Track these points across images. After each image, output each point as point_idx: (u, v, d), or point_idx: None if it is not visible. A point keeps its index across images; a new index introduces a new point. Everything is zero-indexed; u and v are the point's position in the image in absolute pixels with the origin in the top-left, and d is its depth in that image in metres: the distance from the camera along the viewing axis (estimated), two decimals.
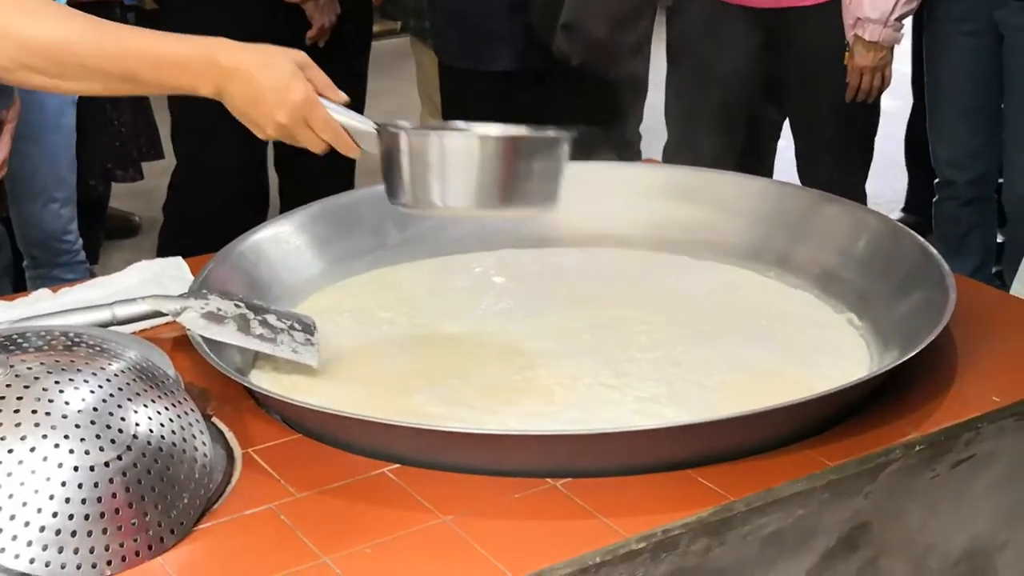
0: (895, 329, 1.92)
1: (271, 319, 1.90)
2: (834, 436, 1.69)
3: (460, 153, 1.85)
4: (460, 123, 1.92)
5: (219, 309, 1.86)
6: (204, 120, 3.46)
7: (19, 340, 1.58)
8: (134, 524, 1.45)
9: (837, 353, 1.95)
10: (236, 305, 1.88)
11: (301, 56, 1.88)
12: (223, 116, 3.44)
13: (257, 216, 3.53)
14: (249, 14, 3.41)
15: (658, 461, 1.61)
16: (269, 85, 1.82)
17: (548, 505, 1.56)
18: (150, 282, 2.12)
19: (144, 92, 1.89)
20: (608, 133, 3.42)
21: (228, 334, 1.83)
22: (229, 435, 1.71)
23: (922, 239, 2.03)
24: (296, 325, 1.92)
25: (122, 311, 1.88)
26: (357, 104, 3.77)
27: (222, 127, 3.42)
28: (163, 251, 2.13)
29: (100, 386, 1.50)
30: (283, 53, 1.87)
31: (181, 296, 1.90)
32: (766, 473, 1.60)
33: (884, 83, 3.59)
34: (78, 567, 1.42)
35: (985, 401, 1.77)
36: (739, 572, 1.60)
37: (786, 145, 4.01)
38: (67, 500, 1.41)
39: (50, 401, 1.45)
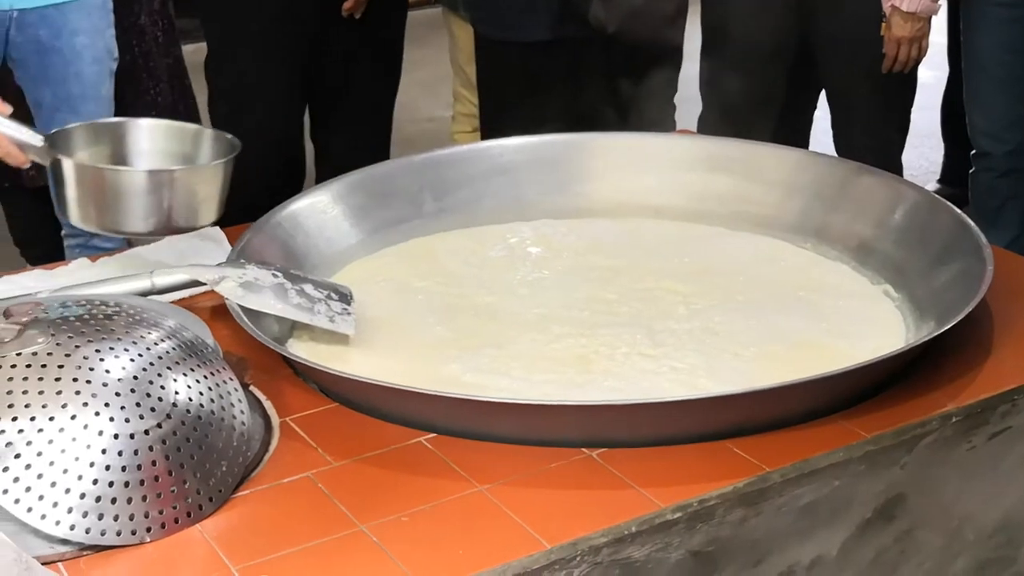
0: (932, 300, 1.91)
1: (308, 288, 1.90)
2: (870, 407, 1.69)
3: (113, 186, 1.95)
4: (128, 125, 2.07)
5: (256, 279, 1.86)
6: (240, 90, 3.47)
7: (60, 308, 1.59)
8: (173, 491, 1.46)
9: (873, 324, 1.94)
10: (273, 275, 1.89)
11: None
12: (259, 86, 3.47)
13: (293, 186, 3.54)
14: None
15: (694, 432, 1.61)
16: None
17: (584, 475, 1.56)
18: (188, 251, 2.13)
19: None
20: (643, 103, 3.42)
21: (265, 303, 1.83)
22: (267, 404, 1.72)
23: (959, 211, 2.02)
24: (333, 295, 1.92)
25: (161, 280, 1.89)
26: (393, 74, 3.78)
27: (257, 97, 3.46)
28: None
29: (140, 355, 1.50)
30: None
31: (219, 265, 1.90)
32: (802, 444, 1.60)
33: (921, 54, 3.57)
34: (118, 533, 1.43)
35: (1022, 373, 1.76)
36: (774, 543, 1.60)
37: (822, 115, 3.99)
38: (107, 468, 1.42)
39: (91, 370, 1.46)
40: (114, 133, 2.13)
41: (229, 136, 2.09)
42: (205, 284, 1.87)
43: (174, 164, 2.08)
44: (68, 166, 1.94)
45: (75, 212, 1.96)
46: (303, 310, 1.86)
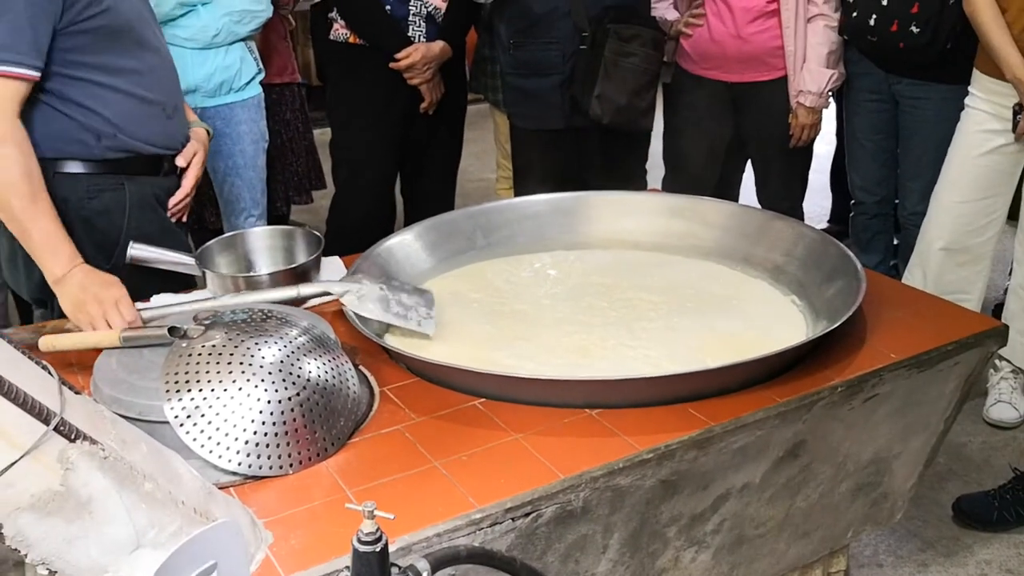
0: (824, 306, 1.89)
1: (404, 298, 1.89)
2: (782, 381, 1.68)
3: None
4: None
5: (368, 293, 1.86)
6: (355, 161, 3.48)
7: (231, 314, 1.60)
8: (307, 439, 1.46)
9: (784, 323, 1.92)
10: (380, 288, 1.88)
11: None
12: (368, 158, 3.46)
13: (388, 227, 3.54)
14: (382, 89, 3.41)
15: (662, 398, 1.60)
16: (100, 280, 1.84)
17: (586, 427, 1.56)
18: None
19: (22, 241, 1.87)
20: (625, 170, 3.41)
21: (374, 312, 1.83)
22: (371, 378, 1.72)
23: (842, 244, 2.00)
24: (421, 302, 1.91)
25: (304, 291, 1.88)
26: (457, 149, 3.79)
27: (367, 165, 3.46)
28: (327, 252, 2.12)
29: (285, 345, 1.51)
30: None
31: (342, 281, 1.90)
32: (736, 406, 1.59)
33: (816, 133, 3.55)
34: (270, 468, 1.43)
35: (885, 357, 1.75)
36: (717, 473, 1.59)
37: (747, 177, 3.97)
38: (263, 423, 1.43)
39: (251, 356, 1.47)
40: (241, 239, 2.17)
41: (316, 233, 2.15)
42: (333, 295, 1.87)
43: (279, 256, 2.15)
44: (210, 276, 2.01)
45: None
46: (399, 317, 1.85)
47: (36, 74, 1.84)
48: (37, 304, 2.18)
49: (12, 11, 1.79)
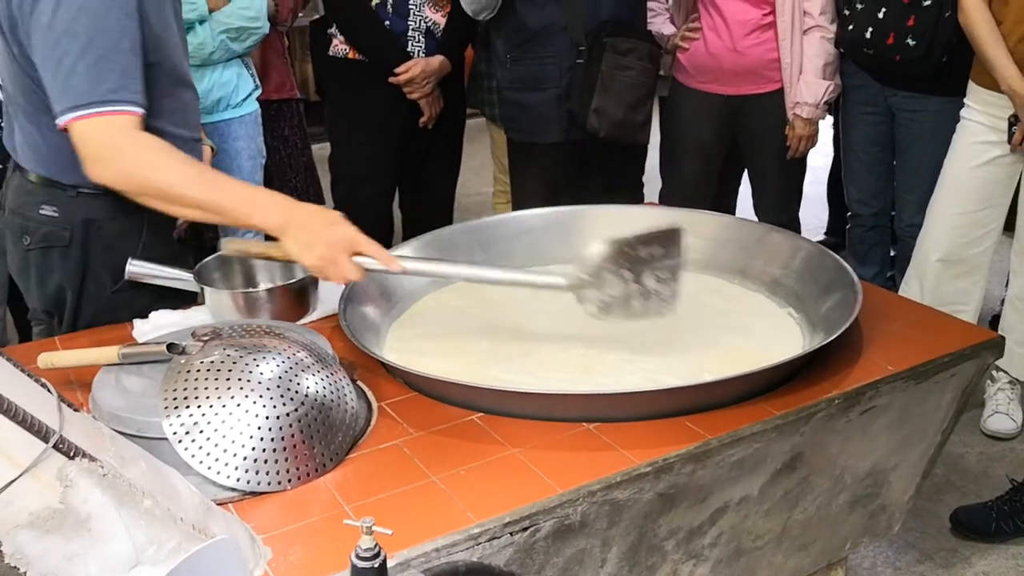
0: (821, 319, 1.89)
1: (648, 282, 1.85)
2: (779, 393, 1.68)
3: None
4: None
5: (609, 295, 1.84)
6: (353, 176, 3.49)
7: (230, 331, 1.60)
8: (305, 455, 1.46)
9: (781, 335, 1.92)
10: (622, 281, 1.84)
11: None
12: (367, 173, 3.47)
13: (386, 242, 3.54)
14: (382, 104, 3.42)
15: (659, 411, 1.60)
16: (325, 220, 1.78)
17: (584, 441, 1.56)
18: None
19: (224, 224, 1.86)
20: (622, 184, 3.42)
21: (617, 318, 1.85)
22: (369, 393, 1.72)
23: (839, 257, 2.00)
24: (664, 275, 1.85)
25: (540, 280, 1.90)
26: (455, 164, 3.80)
27: (365, 180, 3.48)
28: None
29: (283, 361, 1.51)
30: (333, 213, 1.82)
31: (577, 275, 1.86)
32: (733, 419, 1.60)
33: (813, 145, 3.57)
34: (268, 484, 1.43)
35: (882, 369, 1.75)
36: (714, 486, 1.60)
37: (744, 189, 3.98)
38: (261, 439, 1.43)
39: (249, 372, 1.47)
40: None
41: None
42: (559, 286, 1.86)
43: (278, 272, 2.13)
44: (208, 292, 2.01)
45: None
46: (642, 312, 1.83)
47: (144, 112, 1.85)
48: (46, 316, 2.18)
49: (120, 55, 1.82)
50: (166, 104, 2.00)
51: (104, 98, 1.78)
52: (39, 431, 1.06)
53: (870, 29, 3.25)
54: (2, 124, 2.69)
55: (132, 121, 1.81)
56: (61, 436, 1.07)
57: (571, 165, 3.36)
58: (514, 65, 3.29)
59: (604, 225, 2.32)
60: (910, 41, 3.19)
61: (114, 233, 2.06)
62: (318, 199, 4.60)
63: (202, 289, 2.00)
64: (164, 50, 1.97)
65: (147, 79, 1.89)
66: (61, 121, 1.80)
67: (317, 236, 1.73)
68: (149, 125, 1.90)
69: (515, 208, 3.38)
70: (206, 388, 1.45)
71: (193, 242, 4.01)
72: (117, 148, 1.79)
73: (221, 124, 3.25)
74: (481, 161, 5.31)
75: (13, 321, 3.37)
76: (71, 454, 1.08)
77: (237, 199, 1.77)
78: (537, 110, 3.30)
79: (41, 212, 2.03)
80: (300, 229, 1.73)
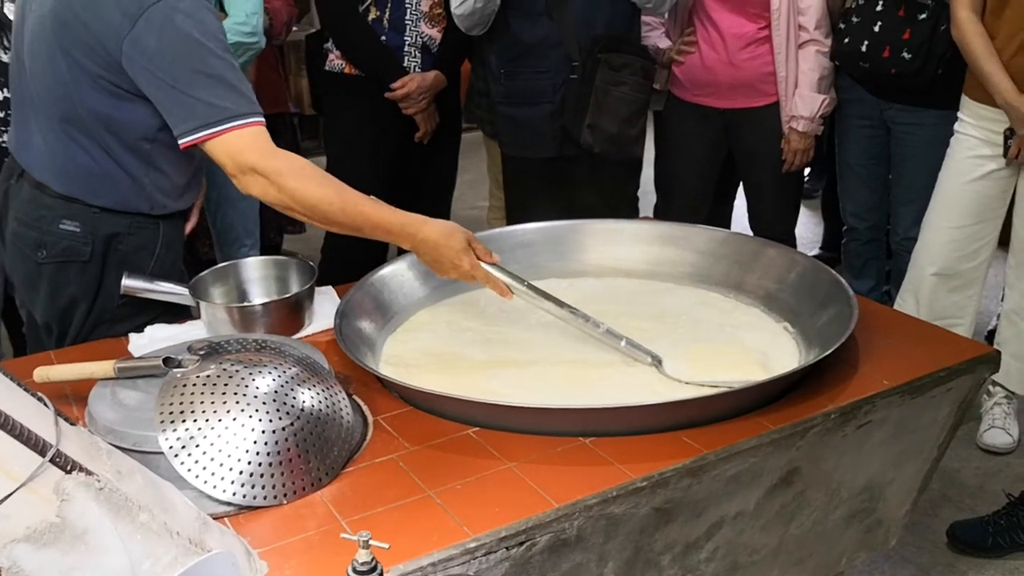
0: (817, 334, 1.91)
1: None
2: (775, 408, 1.69)
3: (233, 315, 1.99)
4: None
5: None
6: None
7: (226, 345, 1.61)
8: (301, 469, 1.47)
9: (777, 350, 1.93)
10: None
11: (469, 234, 1.96)
12: (362, 187, 3.48)
13: (381, 256, 3.55)
14: (378, 119, 3.43)
15: (655, 426, 1.61)
16: (448, 255, 1.92)
17: (580, 456, 1.56)
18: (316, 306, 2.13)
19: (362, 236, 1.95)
20: (616, 198, 3.43)
21: None
22: (364, 408, 1.73)
23: (835, 272, 2.02)
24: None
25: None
26: (451, 177, 3.81)
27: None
28: (321, 281, 2.13)
29: (279, 376, 1.52)
30: (460, 231, 1.94)
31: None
32: (729, 433, 1.60)
33: (809, 159, 3.58)
34: (264, 498, 1.44)
35: (878, 383, 1.76)
36: (710, 501, 1.60)
37: (739, 203, 4.00)
38: (257, 453, 1.44)
39: (245, 386, 1.48)
40: (234, 270, 2.18)
41: (311, 263, 2.16)
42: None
43: (273, 286, 2.17)
44: (204, 306, 2.02)
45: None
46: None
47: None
48: (46, 329, 2.18)
49: (235, 72, 1.89)
50: None
51: (236, 112, 1.85)
52: (36, 445, 1.06)
53: (866, 42, 3.27)
54: (2, 131, 2.71)
55: (264, 130, 1.89)
56: (58, 450, 1.08)
57: (565, 179, 3.36)
58: (508, 80, 3.31)
59: (598, 239, 2.35)
60: (906, 54, 3.21)
61: (131, 248, 2.09)
62: None
63: (197, 303, 2.01)
64: None
65: None
66: (186, 140, 1.85)
67: (444, 265, 1.94)
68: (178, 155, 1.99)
69: (509, 223, 3.39)
70: (202, 402, 1.46)
71: (188, 255, 4.03)
72: (268, 165, 1.84)
73: None
74: (476, 176, 5.33)
75: (8, 335, 3.37)
76: (68, 468, 1.09)
77: (373, 226, 1.90)
78: (531, 125, 3.31)
79: (61, 227, 2.04)
80: (426, 252, 1.93)
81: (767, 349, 1.93)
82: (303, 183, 1.84)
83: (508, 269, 1.99)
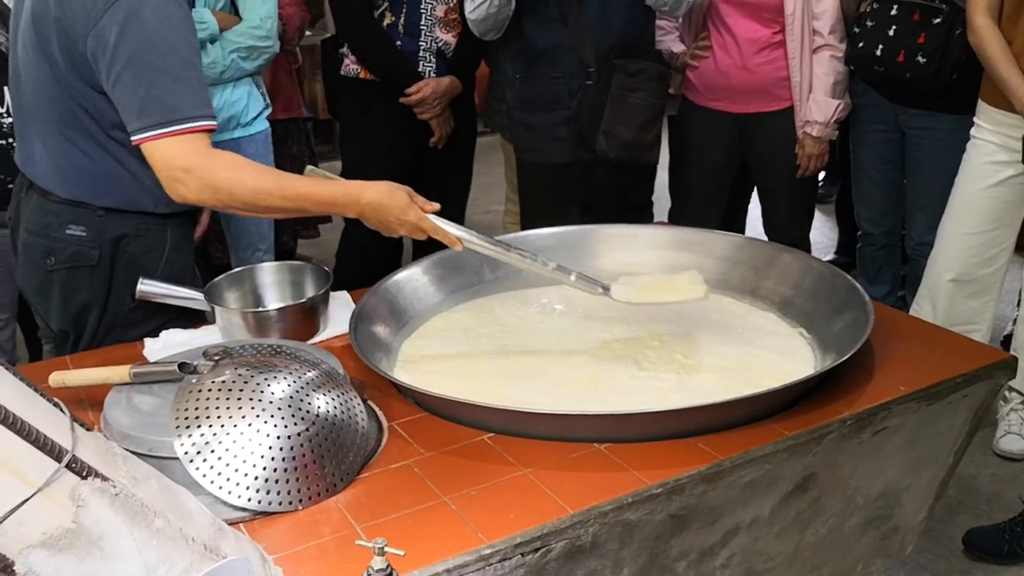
0: (833, 339, 1.90)
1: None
2: (791, 414, 1.68)
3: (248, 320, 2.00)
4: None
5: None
6: None
7: (241, 350, 1.61)
8: (316, 475, 1.47)
9: (792, 356, 1.93)
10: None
11: (409, 190, 1.96)
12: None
13: (396, 261, 3.56)
14: (393, 124, 3.44)
15: (671, 432, 1.60)
16: (394, 212, 1.92)
17: (595, 462, 1.56)
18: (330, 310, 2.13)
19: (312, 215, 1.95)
20: (631, 203, 3.42)
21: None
22: (380, 413, 1.72)
23: (850, 277, 2.01)
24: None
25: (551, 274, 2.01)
26: (465, 183, 3.81)
27: None
28: (336, 286, 2.13)
29: (294, 381, 1.52)
30: (400, 188, 1.94)
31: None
32: (744, 440, 1.59)
33: (823, 163, 3.57)
34: (279, 504, 1.44)
35: (894, 389, 1.75)
36: (726, 508, 1.59)
37: (754, 208, 3.99)
38: (272, 459, 1.44)
39: (260, 392, 1.48)
40: (249, 275, 2.19)
41: (325, 268, 2.16)
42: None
43: (288, 290, 2.18)
44: (219, 311, 2.02)
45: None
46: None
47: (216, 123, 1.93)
48: (62, 335, 2.19)
49: (193, 73, 1.88)
50: None
51: (188, 115, 1.84)
52: (52, 450, 1.06)
53: (880, 47, 3.26)
54: (10, 143, 2.72)
55: (207, 135, 1.87)
56: (74, 456, 1.08)
57: (580, 185, 3.36)
58: (523, 86, 3.31)
59: (613, 245, 2.34)
60: (920, 59, 3.19)
61: (140, 251, 2.09)
62: (325, 217, 4.62)
63: (212, 308, 2.01)
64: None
65: None
66: (137, 138, 1.84)
67: (391, 223, 1.94)
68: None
69: (524, 228, 3.39)
70: (217, 408, 1.46)
71: (202, 260, 4.04)
72: (197, 164, 1.83)
73: (231, 143, 3.26)
74: (491, 180, 5.33)
75: (24, 340, 3.39)
76: (84, 474, 1.09)
77: (317, 203, 1.91)
78: (546, 131, 3.30)
79: (68, 232, 2.05)
80: (372, 214, 1.93)
81: (782, 355, 1.92)
82: (239, 179, 1.84)
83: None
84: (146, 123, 1.83)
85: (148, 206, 2.07)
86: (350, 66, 3.45)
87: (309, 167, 1.98)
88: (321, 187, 1.91)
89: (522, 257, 1.97)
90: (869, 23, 3.30)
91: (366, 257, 3.41)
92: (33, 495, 1.04)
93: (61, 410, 1.15)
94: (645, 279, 2.04)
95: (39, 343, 2.31)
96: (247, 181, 1.84)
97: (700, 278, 2.01)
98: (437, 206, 1.97)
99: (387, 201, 1.91)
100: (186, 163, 1.82)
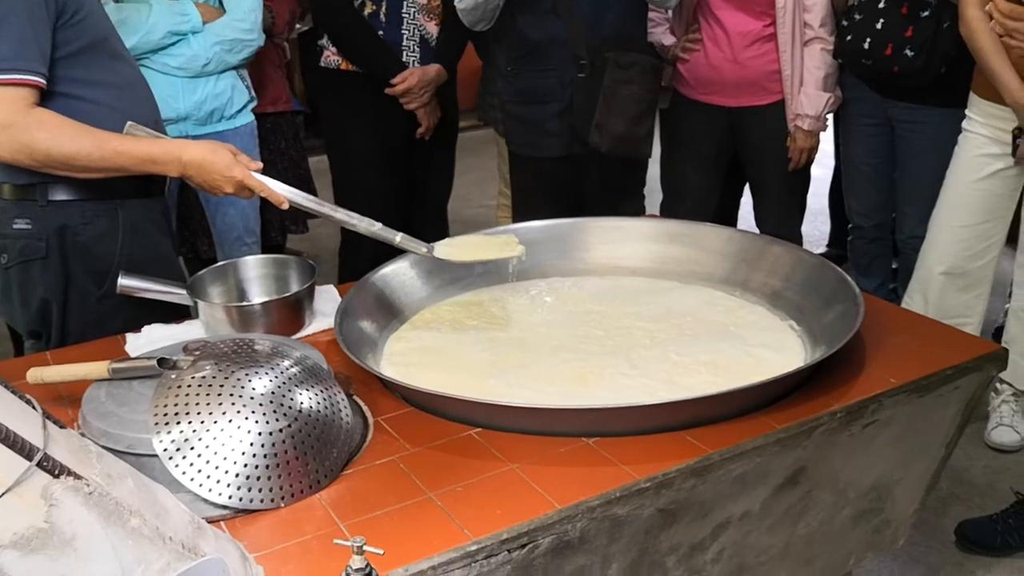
0: (823, 332, 1.87)
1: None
2: (781, 407, 1.65)
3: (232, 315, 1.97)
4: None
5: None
6: (353, 191, 3.47)
7: (220, 345, 1.58)
8: (299, 471, 1.44)
9: (782, 348, 1.90)
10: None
11: (232, 147, 1.95)
12: (366, 188, 3.46)
13: (385, 253, 3.52)
14: (376, 115, 3.40)
15: (659, 426, 1.58)
16: (219, 169, 1.91)
17: (583, 456, 1.53)
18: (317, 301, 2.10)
19: (131, 174, 1.95)
20: (623, 196, 3.39)
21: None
22: (365, 408, 1.70)
23: (841, 270, 1.98)
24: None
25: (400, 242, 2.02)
26: (449, 176, 3.79)
27: (363, 193, 3.46)
28: (342, 276, 2.12)
29: (276, 376, 1.49)
30: (223, 145, 1.93)
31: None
32: (734, 433, 1.57)
33: (814, 157, 3.55)
34: (261, 501, 1.41)
35: (885, 382, 1.73)
36: (715, 502, 1.57)
37: (745, 201, 3.96)
38: (253, 455, 1.41)
39: (242, 387, 1.45)
40: (233, 269, 2.15)
41: (310, 262, 2.12)
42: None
43: (272, 284, 2.15)
44: (202, 306, 2.00)
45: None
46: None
47: (44, 82, 1.86)
48: (30, 336, 2.17)
49: (15, 22, 1.81)
50: (105, 77, 2.01)
51: (13, 65, 1.79)
52: (22, 449, 1.03)
53: (868, 40, 3.24)
54: None
55: (29, 92, 1.82)
56: (45, 454, 1.05)
57: (572, 178, 3.32)
58: (515, 79, 3.27)
59: (604, 238, 2.32)
60: (908, 52, 3.17)
61: (90, 238, 2.05)
62: (312, 213, 4.59)
63: (195, 303, 1.98)
64: (90, 21, 1.96)
65: (76, 48, 1.92)
66: None
67: (216, 181, 1.93)
68: (88, 97, 1.95)
69: (516, 220, 3.36)
70: (197, 404, 1.43)
71: (189, 255, 4.00)
72: (13, 122, 1.79)
73: (216, 136, 3.22)
74: (483, 174, 5.30)
75: (9, 334, 3.35)
76: (56, 472, 1.06)
77: (137, 161, 1.89)
78: (539, 124, 3.27)
79: (15, 227, 2.02)
80: (196, 172, 1.92)
81: (773, 348, 1.90)
82: (56, 138, 1.81)
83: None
84: None
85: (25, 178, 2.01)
86: (330, 57, 3.41)
87: (129, 122, 1.95)
88: (140, 145, 1.89)
89: (348, 217, 1.99)
90: (857, 16, 3.28)
91: (356, 248, 3.38)
92: (3, 494, 1.01)
93: (33, 407, 1.12)
94: (464, 238, 2.09)
95: (22, 338, 2.28)
96: (64, 141, 1.81)
97: (516, 240, 2.08)
98: (260, 164, 1.97)
99: (210, 158, 1.90)
100: (3, 117, 1.78)
